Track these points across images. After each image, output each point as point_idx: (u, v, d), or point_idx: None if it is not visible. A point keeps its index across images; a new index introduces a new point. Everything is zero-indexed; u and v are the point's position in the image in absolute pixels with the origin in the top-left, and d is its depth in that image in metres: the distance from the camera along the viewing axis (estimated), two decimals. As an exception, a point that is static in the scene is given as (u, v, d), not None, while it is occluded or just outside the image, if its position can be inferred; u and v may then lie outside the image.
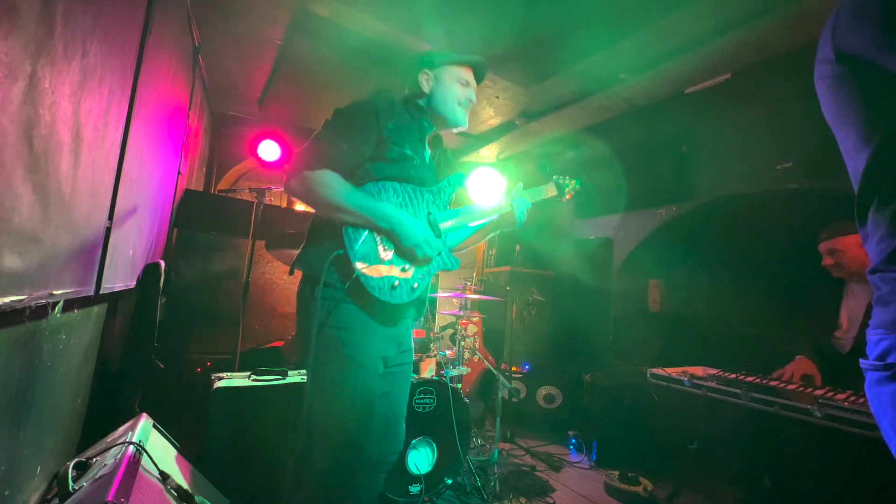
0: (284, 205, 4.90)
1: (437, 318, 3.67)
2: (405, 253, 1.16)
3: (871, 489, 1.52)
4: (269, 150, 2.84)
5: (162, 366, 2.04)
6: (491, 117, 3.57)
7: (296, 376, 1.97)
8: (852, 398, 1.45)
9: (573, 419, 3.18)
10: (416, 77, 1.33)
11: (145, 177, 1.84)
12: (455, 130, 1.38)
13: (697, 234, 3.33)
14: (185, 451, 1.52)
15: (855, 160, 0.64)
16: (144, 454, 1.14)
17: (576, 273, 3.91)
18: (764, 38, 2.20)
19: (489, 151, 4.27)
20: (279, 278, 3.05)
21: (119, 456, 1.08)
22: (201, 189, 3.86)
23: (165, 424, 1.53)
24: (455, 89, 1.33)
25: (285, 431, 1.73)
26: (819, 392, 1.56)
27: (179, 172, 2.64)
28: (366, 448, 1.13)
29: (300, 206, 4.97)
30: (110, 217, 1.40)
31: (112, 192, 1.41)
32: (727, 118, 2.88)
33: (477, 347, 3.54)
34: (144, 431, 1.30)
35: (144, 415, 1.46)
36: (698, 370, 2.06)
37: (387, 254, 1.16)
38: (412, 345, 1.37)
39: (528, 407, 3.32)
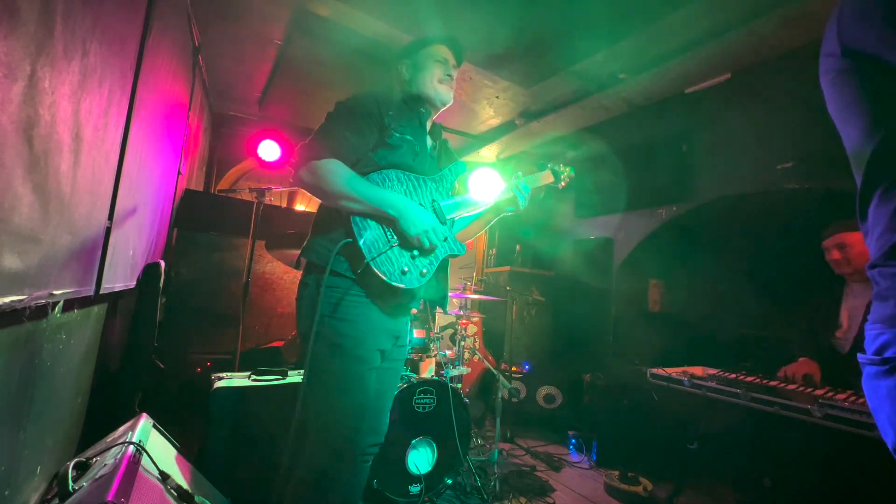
0: (284, 205, 4.90)
1: (437, 318, 3.67)
2: (412, 241, 1.18)
3: (871, 489, 1.52)
4: (269, 150, 2.84)
5: (162, 366, 2.04)
6: (491, 117, 3.56)
7: (296, 376, 1.97)
8: (852, 398, 1.45)
9: (573, 419, 3.18)
10: (398, 71, 1.39)
11: (145, 177, 1.84)
12: (444, 108, 1.40)
13: (697, 234, 3.33)
14: (185, 451, 1.52)
15: (858, 155, 0.64)
16: (144, 454, 1.14)
17: (576, 273, 3.91)
18: (764, 38, 2.20)
19: (489, 151, 4.26)
20: (279, 278, 3.05)
21: (119, 456, 1.08)
22: (201, 189, 3.86)
23: (165, 424, 1.53)
24: (432, 68, 1.35)
25: (285, 431, 1.73)
26: (819, 392, 1.56)
27: (179, 172, 2.64)
28: (358, 440, 1.14)
29: (300, 206, 4.97)
30: (110, 217, 1.40)
31: (112, 192, 1.41)
32: (727, 118, 2.88)
33: (477, 347, 3.53)
34: (144, 431, 1.30)
35: (144, 415, 1.45)
36: (698, 370, 2.06)
37: (394, 240, 1.18)
38: (407, 341, 1.40)
39: (528, 407, 3.32)
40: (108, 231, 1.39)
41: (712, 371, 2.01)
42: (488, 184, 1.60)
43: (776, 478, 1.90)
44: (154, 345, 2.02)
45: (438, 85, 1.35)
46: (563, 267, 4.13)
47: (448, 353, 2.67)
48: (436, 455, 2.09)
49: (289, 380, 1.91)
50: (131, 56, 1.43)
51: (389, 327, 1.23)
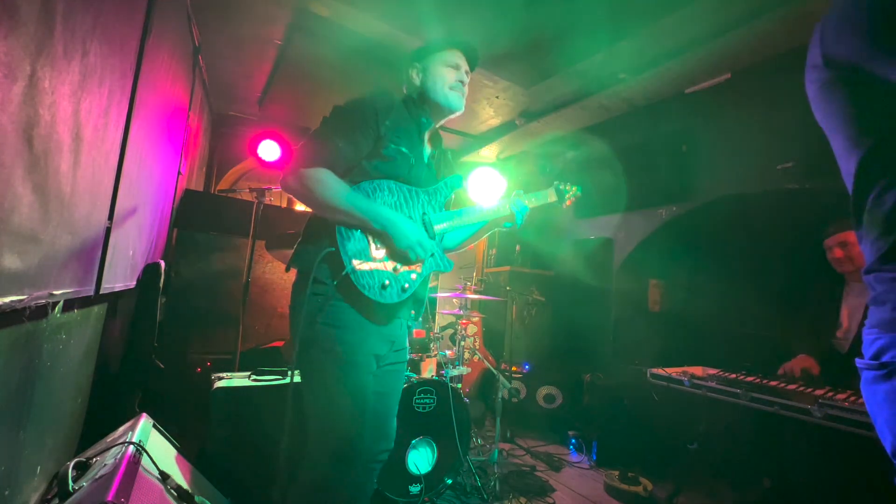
0: (284, 205, 4.91)
1: (437, 318, 3.67)
2: (398, 254, 1.16)
3: (870, 489, 1.52)
4: (269, 150, 2.84)
5: (162, 366, 2.04)
6: (491, 117, 3.56)
7: (296, 376, 1.97)
8: (852, 398, 1.45)
9: (573, 419, 3.18)
10: (409, 74, 1.34)
11: (145, 177, 1.84)
12: (453, 115, 1.36)
13: (697, 234, 3.32)
14: (185, 451, 1.52)
15: (847, 163, 0.65)
16: (144, 454, 1.14)
17: (576, 273, 3.91)
18: (764, 38, 2.20)
19: (489, 151, 4.27)
20: (279, 278, 3.05)
21: (119, 456, 1.08)
22: (201, 189, 3.86)
23: (165, 424, 1.53)
24: (444, 74, 1.30)
25: (285, 432, 1.73)
26: (819, 392, 1.56)
27: (179, 172, 2.64)
28: (358, 446, 1.12)
29: (300, 207, 4.96)
30: (110, 217, 1.40)
31: (112, 192, 1.41)
32: (727, 118, 2.88)
33: (477, 347, 3.53)
34: (144, 431, 1.30)
35: (144, 415, 1.46)
36: (698, 370, 2.06)
37: (378, 253, 1.16)
38: (406, 344, 1.36)
39: (528, 407, 3.31)
40: (108, 231, 1.39)
41: (712, 371, 2.01)
42: (485, 196, 1.57)
43: (776, 478, 1.90)
44: (154, 345, 2.02)
45: (449, 92, 1.30)
46: (563, 267, 4.13)
47: (448, 353, 2.67)
48: (436, 455, 2.09)
49: (289, 380, 1.91)
50: (131, 56, 1.43)
51: (384, 332, 1.21)
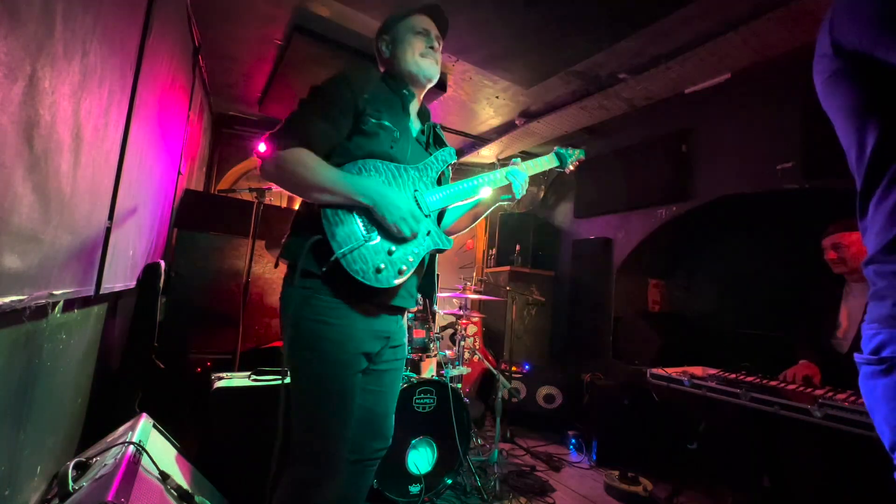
0: (284, 205, 4.90)
1: (437, 318, 3.67)
2: (389, 229, 1.08)
3: (870, 489, 1.52)
4: (269, 150, 2.83)
5: (162, 366, 2.04)
6: (491, 117, 3.56)
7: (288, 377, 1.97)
8: (852, 398, 1.45)
9: (573, 419, 3.18)
10: (378, 48, 1.29)
11: (145, 177, 1.84)
12: (429, 84, 1.29)
13: (697, 234, 3.33)
14: (185, 451, 1.52)
15: (856, 153, 0.64)
16: (144, 454, 1.14)
17: (576, 273, 3.91)
18: (764, 38, 2.20)
19: (489, 151, 4.27)
20: (279, 278, 3.03)
21: (119, 456, 1.08)
22: (201, 189, 3.86)
23: (165, 424, 1.53)
24: (412, 41, 1.24)
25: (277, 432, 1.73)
26: (819, 392, 1.56)
27: (179, 172, 2.65)
28: (341, 448, 1.08)
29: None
30: (110, 217, 1.40)
31: (112, 192, 1.41)
32: (727, 118, 2.89)
33: (477, 347, 3.54)
34: (144, 431, 1.30)
35: (144, 415, 1.46)
36: (698, 370, 2.06)
37: (370, 235, 1.08)
38: (405, 340, 1.30)
39: (528, 407, 3.31)
40: (108, 231, 1.39)
41: (712, 371, 2.01)
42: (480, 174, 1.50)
43: (776, 478, 1.90)
44: (154, 345, 2.02)
45: (420, 59, 1.23)
46: (563, 267, 4.13)
47: (448, 353, 2.67)
48: (436, 455, 2.09)
49: (288, 379, 1.91)
50: (131, 56, 1.43)
51: (375, 328, 1.14)
